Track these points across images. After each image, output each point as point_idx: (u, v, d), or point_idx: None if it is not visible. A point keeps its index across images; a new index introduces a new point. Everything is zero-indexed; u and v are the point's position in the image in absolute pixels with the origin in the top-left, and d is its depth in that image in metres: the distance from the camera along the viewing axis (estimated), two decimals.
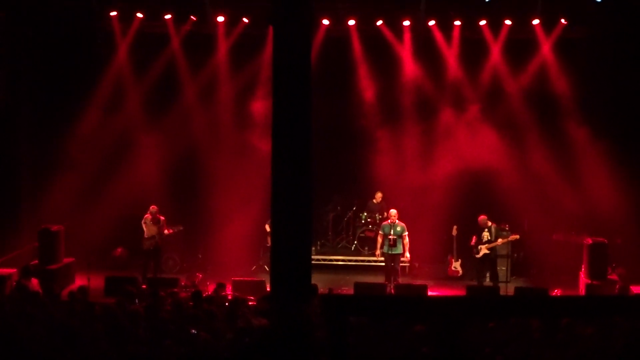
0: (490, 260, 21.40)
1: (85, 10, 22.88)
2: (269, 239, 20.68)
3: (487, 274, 21.73)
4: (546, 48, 23.17)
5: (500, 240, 21.33)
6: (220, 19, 23.27)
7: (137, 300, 15.79)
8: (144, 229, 21.75)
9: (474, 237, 21.39)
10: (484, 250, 21.21)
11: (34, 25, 22.61)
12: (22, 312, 13.94)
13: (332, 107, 23.33)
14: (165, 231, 21.81)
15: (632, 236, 22.04)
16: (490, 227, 21.34)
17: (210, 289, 19.66)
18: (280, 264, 13.41)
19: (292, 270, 13.31)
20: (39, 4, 22.31)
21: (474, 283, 21.52)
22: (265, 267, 22.08)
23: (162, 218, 21.86)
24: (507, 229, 21.94)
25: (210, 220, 23.30)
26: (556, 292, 20.21)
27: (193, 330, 13.00)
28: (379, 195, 23.99)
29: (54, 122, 23.42)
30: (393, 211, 21.69)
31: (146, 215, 21.80)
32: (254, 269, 22.90)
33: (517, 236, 21.47)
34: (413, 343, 12.41)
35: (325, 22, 23.14)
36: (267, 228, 21.59)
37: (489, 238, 21.25)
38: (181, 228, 22.25)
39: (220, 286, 17.96)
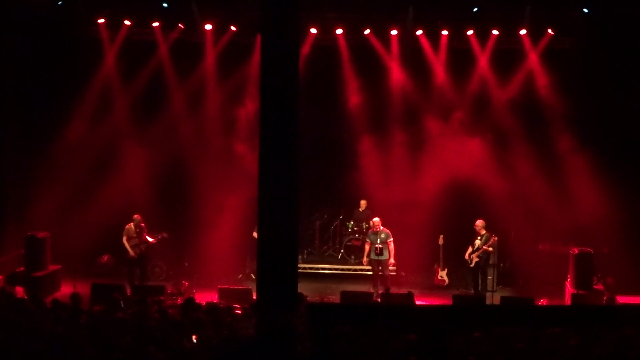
0: (481, 267, 21.38)
1: (73, 17, 22.86)
2: None
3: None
4: (533, 58, 23.22)
5: (484, 246, 21.31)
6: (208, 27, 23.26)
7: (123, 308, 15.75)
8: (125, 241, 21.66)
9: (470, 247, 21.47)
10: (475, 258, 21.25)
11: (20, 31, 22.56)
12: (6, 319, 13.90)
13: (320, 115, 23.33)
14: (149, 239, 21.75)
15: (618, 246, 22.07)
16: (484, 234, 21.35)
17: (196, 296, 19.64)
18: (267, 272, 13.40)
19: (279, 279, 13.30)
20: (26, 10, 22.25)
21: (460, 292, 21.58)
22: (252, 275, 22.06)
23: (142, 225, 21.81)
24: (490, 237, 21.85)
25: (196, 228, 23.26)
26: (542, 301, 20.23)
27: (194, 337, 13.01)
28: (363, 203, 24.01)
29: (41, 128, 23.38)
30: (376, 220, 21.85)
31: (127, 226, 21.71)
32: (241, 277, 22.88)
33: (495, 238, 21.40)
34: (399, 352, 12.41)
35: (313, 30, 23.15)
36: (256, 235, 21.49)
37: (479, 245, 21.30)
38: (165, 235, 22.14)
39: None
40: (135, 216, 21.79)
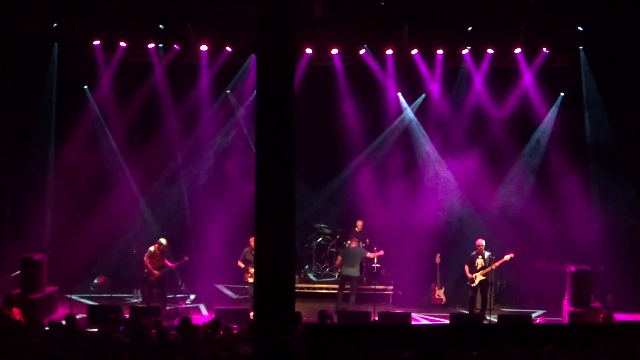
0: (484, 287, 21.22)
1: (68, 38, 22.90)
2: (245, 275, 20.59)
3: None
4: (528, 76, 23.28)
5: (496, 263, 21.13)
6: (204, 47, 23.29)
7: (120, 329, 15.72)
8: (146, 261, 21.29)
9: (466, 266, 21.27)
10: (479, 277, 21.08)
11: (16, 53, 22.58)
12: (3, 341, 13.86)
13: (316, 135, 23.43)
14: (169, 264, 21.48)
15: (615, 264, 22.07)
16: (484, 253, 21.23)
17: (193, 317, 19.60)
18: (264, 292, 13.37)
19: (276, 299, 13.27)
20: (21, 32, 22.28)
21: (458, 311, 21.55)
22: (249, 295, 22.06)
23: (165, 250, 21.51)
24: (492, 257, 21.76)
25: (193, 249, 23.22)
26: (540, 319, 20.20)
27: None
28: (359, 224, 23.92)
29: (37, 150, 23.35)
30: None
31: (152, 248, 21.28)
32: (237, 297, 22.83)
33: (512, 254, 21.10)
34: None
35: (309, 50, 23.19)
36: (241, 264, 21.13)
37: (483, 265, 21.13)
38: (186, 259, 21.85)
39: None
40: (162, 240, 21.55)
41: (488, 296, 21.23)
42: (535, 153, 23.61)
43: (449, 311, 21.38)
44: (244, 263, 20.74)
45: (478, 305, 21.25)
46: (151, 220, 23.89)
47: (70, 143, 23.43)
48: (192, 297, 22.77)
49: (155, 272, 21.10)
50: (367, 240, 23.34)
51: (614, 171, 22.81)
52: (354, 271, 21.88)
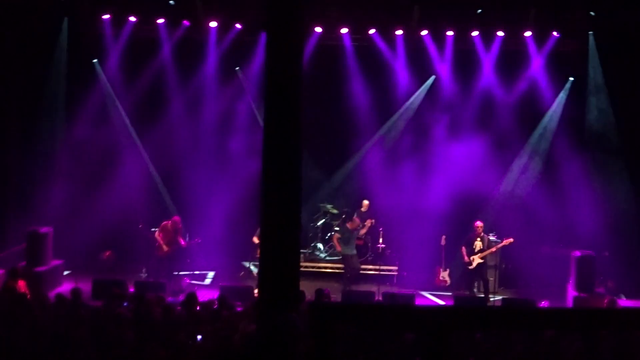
0: (483, 270, 21.23)
1: (78, 12, 22.89)
2: (259, 252, 20.57)
3: (476, 285, 21.70)
4: (537, 60, 23.21)
5: (494, 247, 21.16)
6: (213, 24, 23.25)
7: (124, 304, 15.75)
8: (159, 235, 21.41)
9: (463, 248, 21.26)
10: (477, 260, 21.06)
11: (25, 26, 22.54)
12: (8, 314, 13.91)
13: (324, 114, 23.40)
14: (182, 242, 21.60)
15: (620, 249, 22.06)
16: (483, 235, 21.23)
17: (198, 294, 19.65)
18: (269, 271, 13.40)
19: (281, 277, 13.31)
20: (31, 5, 22.24)
21: (462, 293, 21.56)
22: (254, 273, 22.11)
23: (179, 227, 21.64)
24: (494, 240, 21.80)
25: (198, 226, 23.23)
26: (543, 304, 20.21)
27: (199, 336, 13.02)
28: (365, 203, 23.92)
29: (44, 125, 23.37)
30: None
31: (164, 224, 21.52)
32: (242, 274, 22.86)
33: (511, 239, 21.20)
34: (400, 352, 12.41)
35: (318, 29, 23.13)
36: (256, 240, 21.15)
37: (482, 247, 21.11)
38: (199, 241, 21.96)
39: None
40: (175, 218, 21.66)
41: (490, 279, 21.29)
42: (543, 138, 23.59)
43: (453, 293, 21.43)
44: (258, 239, 20.67)
45: (481, 288, 21.30)
46: (157, 195, 23.90)
47: (79, 116, 23.44)
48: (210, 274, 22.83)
49: (165, 247, 21.16)
50: (373, 220, 23.30)
51: (620, 156, 22.78)
52: (344, 250, 22.03)
